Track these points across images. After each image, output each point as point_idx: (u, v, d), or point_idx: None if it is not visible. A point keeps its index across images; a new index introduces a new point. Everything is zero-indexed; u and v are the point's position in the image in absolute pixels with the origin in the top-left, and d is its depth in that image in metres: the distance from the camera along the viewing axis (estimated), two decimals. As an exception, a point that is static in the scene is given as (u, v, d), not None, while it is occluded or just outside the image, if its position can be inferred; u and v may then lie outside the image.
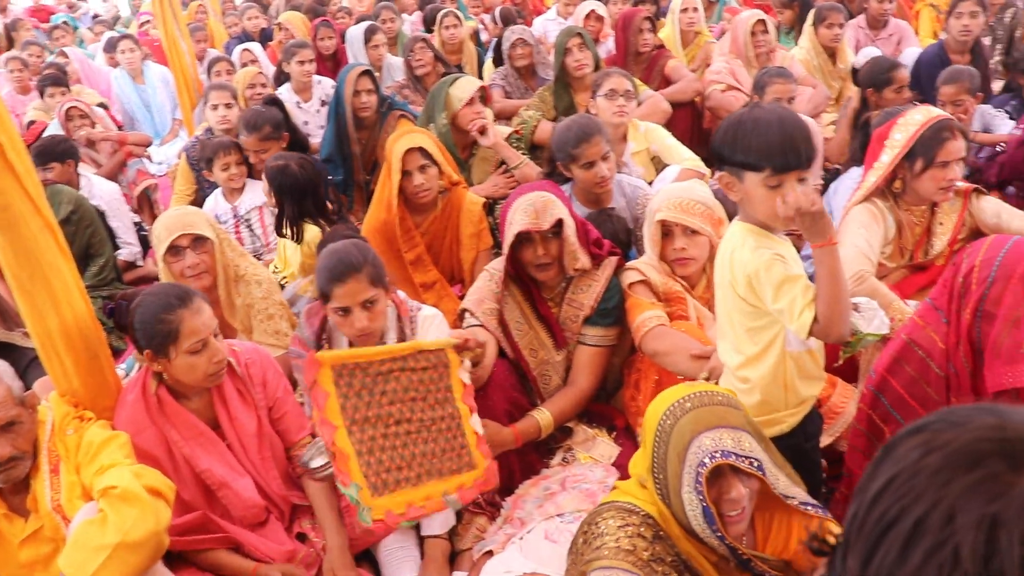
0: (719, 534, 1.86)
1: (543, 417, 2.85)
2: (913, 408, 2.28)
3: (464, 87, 4.29)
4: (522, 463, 2.87)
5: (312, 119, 5.85)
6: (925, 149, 2.95)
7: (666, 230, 2.93)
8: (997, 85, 5.57)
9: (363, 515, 2.28)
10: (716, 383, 2.48)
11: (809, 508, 2.00)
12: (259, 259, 4.09)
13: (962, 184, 3.12)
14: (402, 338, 2.79)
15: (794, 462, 2.26)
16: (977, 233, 3.14)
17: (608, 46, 6.13)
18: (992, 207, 3.13)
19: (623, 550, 1.86)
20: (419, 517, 2.41)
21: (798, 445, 2.30)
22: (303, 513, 2.70)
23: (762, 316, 2.16)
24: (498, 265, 3.03)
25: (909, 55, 5.72)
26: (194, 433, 2.54)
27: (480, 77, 6.45)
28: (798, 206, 1.98)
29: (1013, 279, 2.13)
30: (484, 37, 8.22)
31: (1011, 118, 4.74)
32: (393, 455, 2.38)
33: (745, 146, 2.05)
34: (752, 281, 2.09)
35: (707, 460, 1.82)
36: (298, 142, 4.65)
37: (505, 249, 2.91)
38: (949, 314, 2.24)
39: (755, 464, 1.87)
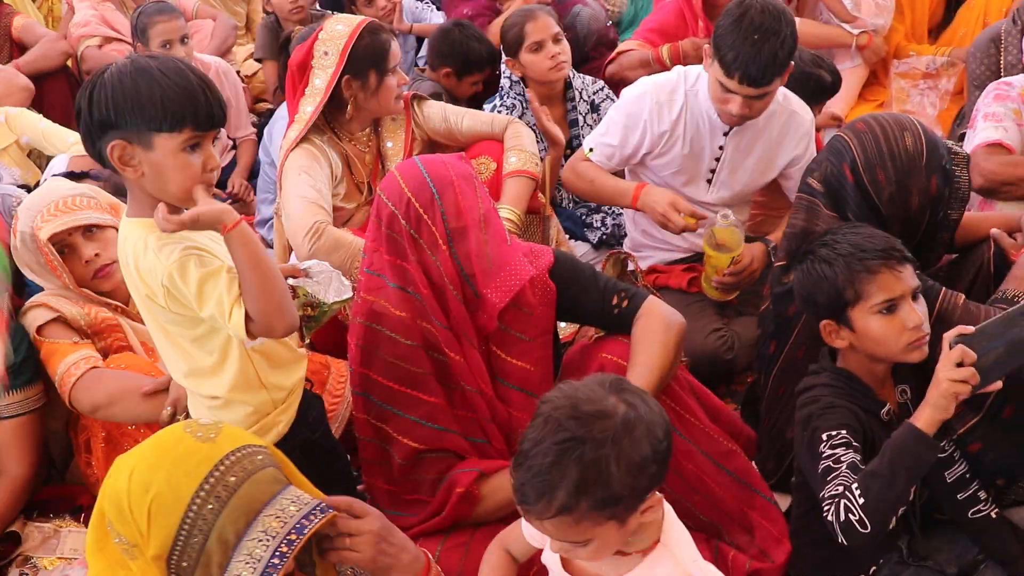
0: None
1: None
2: (405, 393, 2.43)
3: None
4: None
5: None
6: (373, 59, 3.17)
7: (61, 245, 2.80)
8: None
9: None
10: (183, 416, 2.49)
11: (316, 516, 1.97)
12: None
13: (406, 91, 3.40)
14: None
15: (310, 457, 2.37)
16: (432, 144, 3.47)
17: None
18: (437, 111, 3.46)
19: None
20: None
21: (307, 439, 2.41)
22: None
23: (200, 323, 2.15)
24: None
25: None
26: None
27: None
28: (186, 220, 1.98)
29: (455, 183, 2.39)
30: None
31: (437, 8, 5.32)
32: None
33: (154, 101, 1.96)
34: (171, 289, 2.05)
35: (285, 548, 1.76)
36: None
37: None
38: (404, 272, 2.41)
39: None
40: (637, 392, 1.75)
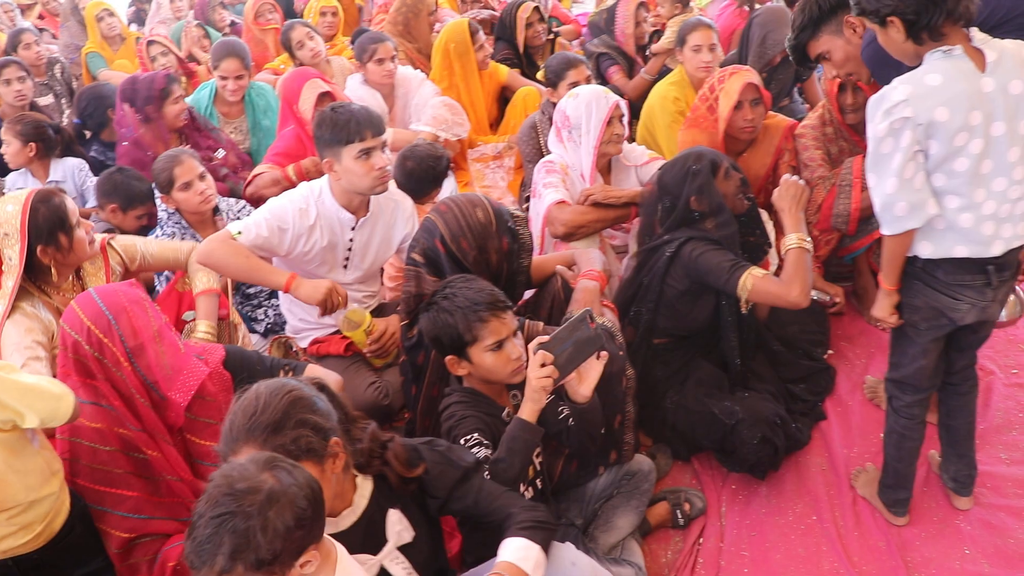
0: None
1: None
2: (110, 492, 2.29)
3: None
4: None
5: None
6: (56, 223, 2.84)
7: None
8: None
9: None
10: None
11: None
12: None
13: (101, 236, 3.13)
14: None
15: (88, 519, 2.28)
16: (128, 274, 3.22)
17: None
18: (129, 243, 3.20)
19: None
20: None
21: (83, 508, 2.29)
22: None
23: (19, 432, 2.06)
24: None
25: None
26: None
27: None
28: None
29: (127, 308, 2.29)
30: None
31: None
32: None
33: None
34: None
35: None
36: None
37: None
38: (94, 389, 2.28)
39: None
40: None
